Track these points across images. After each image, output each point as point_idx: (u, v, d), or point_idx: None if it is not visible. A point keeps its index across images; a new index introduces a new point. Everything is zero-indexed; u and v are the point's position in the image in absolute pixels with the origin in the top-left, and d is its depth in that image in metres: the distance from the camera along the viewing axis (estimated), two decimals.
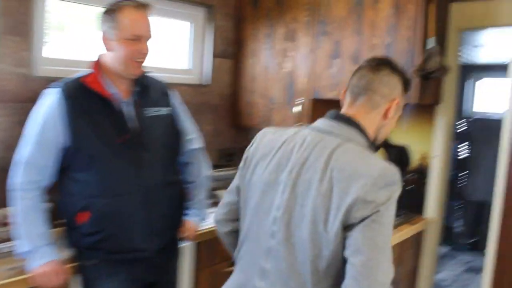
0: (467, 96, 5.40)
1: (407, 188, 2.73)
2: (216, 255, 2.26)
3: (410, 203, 2.74)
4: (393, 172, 1.21)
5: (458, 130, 5.17)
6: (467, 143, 5.15)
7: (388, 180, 1.18)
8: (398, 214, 2.55)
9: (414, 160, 2.71)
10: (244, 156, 1.43)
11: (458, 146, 5.20)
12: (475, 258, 4.88)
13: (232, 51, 3.01)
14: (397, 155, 2.80)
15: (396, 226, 2.43)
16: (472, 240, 5.16)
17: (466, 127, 5.15)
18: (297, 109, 2.70)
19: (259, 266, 1.31)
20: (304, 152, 1.28)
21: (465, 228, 5.26)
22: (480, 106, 5.37)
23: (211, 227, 1.98)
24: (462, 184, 5.23)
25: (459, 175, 5.22)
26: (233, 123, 3.07)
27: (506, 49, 3.98)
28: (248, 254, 1.37)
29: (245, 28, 2.96)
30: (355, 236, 1.14)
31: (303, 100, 2.69)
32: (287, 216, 1.25)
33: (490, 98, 5.31)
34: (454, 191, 5.27)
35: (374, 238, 1.14)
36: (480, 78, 5.37)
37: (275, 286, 1.27)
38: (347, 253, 1.16)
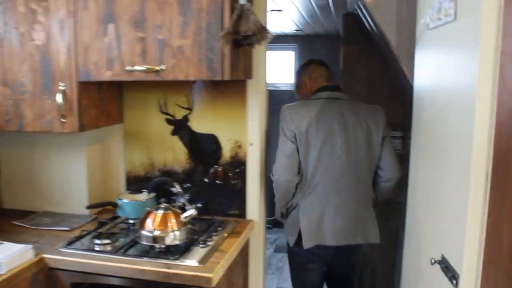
0: None
1: (218, 182, 2.16)
2: None
3: (229, 204, 2.18)
4: None
5: None
6: None
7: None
8: (214, 227, 1.96)
9: (226, 150, 2.14)
10: (290, 127, 2.11)
11: None
12: (278, 235, 4.76)
13: None
14: (205, 143, 2.19)
15: (215, 246, 1.82)
16: (273, 218, 5.02)
17: None
18: (59, 98, 1.84)
19: (335, 187, 2.12)
20: (336, 112, 2.15)
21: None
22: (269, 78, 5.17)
23: None
24: None
25: None
26: None
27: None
28: (320, 184, 2.11)
29: None
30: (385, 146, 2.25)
31: (63, 87, 1.84)
32: (347, 149, 2.12)
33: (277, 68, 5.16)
34: None
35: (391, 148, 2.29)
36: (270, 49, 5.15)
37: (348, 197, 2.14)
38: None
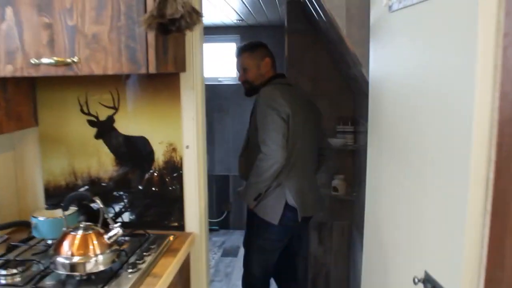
0: None
1: (153, 190, 1.89)
2: None
3: (166, 214, 1.92)
4: None
5: None
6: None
7: None
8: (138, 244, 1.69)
9: (159, 154, 1.87)
10: (284, 108, 2.32)
11: None
12: (226, 237, 4.52)
13: None
14: (134, 147, 1.91)
15: (148, 269, 1.56)
16: (220, 219, 4.78)
17: None
18: None
19: (307, 164, 2.53)
20: (302, 97, 2.58)
21: (209, 208, 4.83)
22: (210, 71, 4.90)
23: None
24: None
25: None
26: None
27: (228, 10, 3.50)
28: (298, 162, 2.42)
29: None
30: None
31: None
32: (312, 131, 2.54)
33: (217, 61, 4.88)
34: None
35: None
36: (207, 41, 4.87)
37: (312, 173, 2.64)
38: None
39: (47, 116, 1.92)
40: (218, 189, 4.77)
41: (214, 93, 4.69)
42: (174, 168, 1.88)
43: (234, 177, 4.70)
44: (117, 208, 1.93)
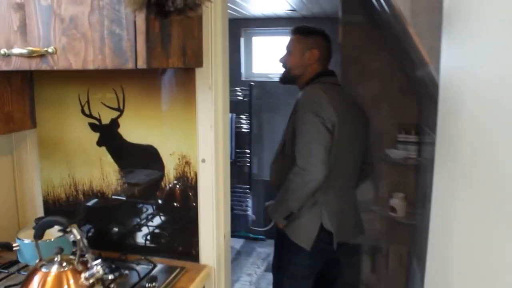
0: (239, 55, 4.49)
1: (162, 212, 1.57)
2: None
3: (179, 238, 1.58)
4: None
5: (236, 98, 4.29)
6: (247, 114, 4.31)
7: None
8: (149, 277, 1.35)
9: (170, 168, 1.54)
10: (330, 116, 1.92)
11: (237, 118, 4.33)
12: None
13: None
14: (140, 158, 1.58)
15: None
16: (267, 228, 4.41)
17: (247, 94, 4.28)
18: None
19: (348, 181, 2.13)
20: (349, 101, 2.14)
21: (256, 214, 4.48)
22: (259, 67, 4.54)
23: None
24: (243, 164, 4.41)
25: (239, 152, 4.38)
26: None
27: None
28: (339, 179, 2.02)
29: None
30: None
31: None
32: (357, 141, 2.13)
33: (268, 56, 4.51)
34: (238, 173, 4.43)
35: None
36: (257, 34, 4.52)
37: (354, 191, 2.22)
38: None
39: (46, 117, 1.64)
40: (267, 194, 4.42)
41: (264, 91, 4.33)
42: (187, 186, 1.53)
43: None
44: (119, 230, 1.62)
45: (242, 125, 4.35)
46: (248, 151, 4.37)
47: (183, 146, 1.51)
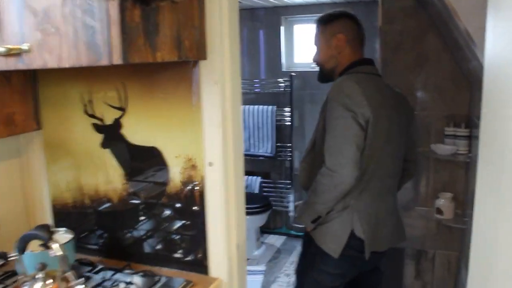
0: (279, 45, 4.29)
1: (166, 219, 1.44)
2: None
3: (188, 247, 1.46)
4: None
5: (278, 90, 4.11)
6: (288, 107, 4.11)
7: None
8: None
9: (175, 172, 1.40)
10: (364, 110, 1.70)
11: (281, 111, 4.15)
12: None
13: None
14: (144, 161, 1.45)
15: None
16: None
17: (288, 85, 4.09)
18: None
19: (387, 182, 1.90)
20: (388, 94, 1.89)
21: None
22: (301, 57, 4.33)
23: None
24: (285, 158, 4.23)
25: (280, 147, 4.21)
26: None
27: None
28: (373, 180, 1.80)
29: None
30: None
31: None
32: (398, 139, 1.90)
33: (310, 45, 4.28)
34: (279, 168, 4.27)
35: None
36: (298, 22, 4.31)
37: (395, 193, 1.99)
38: None
39: (51, 118, 1.55)
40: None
41: (305, 82, 4.12)
42: (194, 191, 1.39)
43: None
44: (126, 237, 1.51)
45: (283, 118, 4.17)
46: (290, 145, 4.19)
47: (189, 148, 1.36)
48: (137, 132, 1.42)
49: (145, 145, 1.42)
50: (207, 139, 1.34)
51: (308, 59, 4.19)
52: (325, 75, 1.98)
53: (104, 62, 0.94)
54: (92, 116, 1.47)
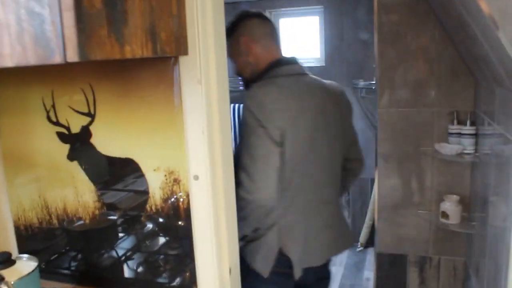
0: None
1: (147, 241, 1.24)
2: None
3: (176, 269, 1.26)
4: None
5: None
6: None
7: None
8: None
9: (155, 187, 1.20)
10: (277, 123, 1.54)
11: None
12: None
13: None
14: (118, 174, 1.26)
15: None
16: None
17: None
18: None
19: (320, 194, 1.72)
20: (311, 95, 1.68)
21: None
22: (288, 52, 4.14)
23: None
24: None
25: None
26: None
27: None
28: (302, 194, 1.66)
29: None
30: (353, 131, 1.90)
31: None
32: (329, 145, 1.72)
33: (297, 39, 4.10)
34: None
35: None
36: (284, 16, 4.12)
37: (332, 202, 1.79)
38: None
39: (9, 126, 1.34)
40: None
41: None
42: (178, 210, 1.19)
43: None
44: (101, 259, 1.31)
45: None
46: None
47: (169, 159, 1.17)
48: (109, 141, 1.22)
49: (119, 156, 1.21)
50: (191, 149, 1.14)
51: (296, 54, 4.03)
52: (249, 84, 1.78)
53: (57, 59, 0.73)
54: (57, 123, 1.26)
